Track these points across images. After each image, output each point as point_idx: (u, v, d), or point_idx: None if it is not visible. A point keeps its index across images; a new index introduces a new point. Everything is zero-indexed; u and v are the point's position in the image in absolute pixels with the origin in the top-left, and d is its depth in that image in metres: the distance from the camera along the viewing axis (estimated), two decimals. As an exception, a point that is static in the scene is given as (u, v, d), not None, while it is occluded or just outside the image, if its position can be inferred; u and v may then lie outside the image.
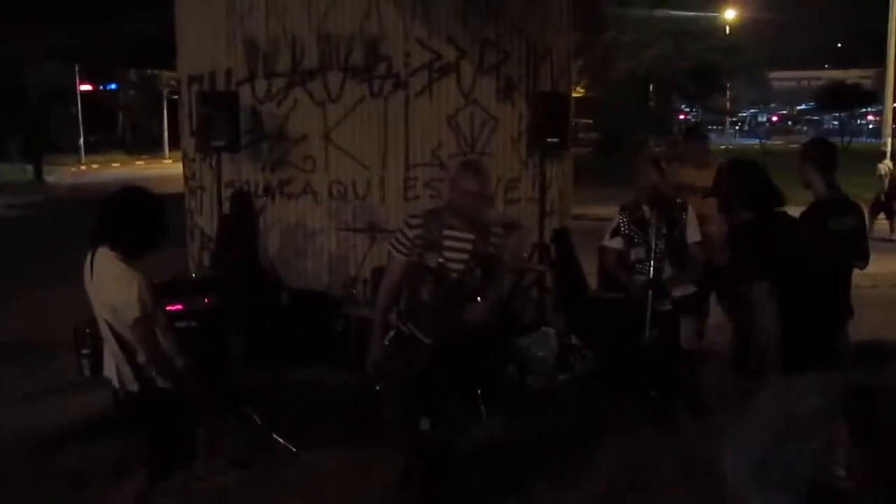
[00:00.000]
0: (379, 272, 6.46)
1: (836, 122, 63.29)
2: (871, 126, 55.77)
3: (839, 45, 68.42)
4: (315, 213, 7.90)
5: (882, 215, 16.95)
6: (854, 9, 39.19)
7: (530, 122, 7.92)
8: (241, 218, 7.90)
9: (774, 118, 57.82)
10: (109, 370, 4.55)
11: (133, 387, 4.07)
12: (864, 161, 25.82)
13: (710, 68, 27.57)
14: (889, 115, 20.15)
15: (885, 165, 17.91)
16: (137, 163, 42.49)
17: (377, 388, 5.99)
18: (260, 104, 7.82)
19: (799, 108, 62.41)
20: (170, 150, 44.21)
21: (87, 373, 6.06)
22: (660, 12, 24.84)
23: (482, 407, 5.96)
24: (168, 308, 6.09)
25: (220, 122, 7.10)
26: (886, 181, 17.44)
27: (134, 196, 4.11)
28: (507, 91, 8.02)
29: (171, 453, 4.14)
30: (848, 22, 51.62)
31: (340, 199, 7.89)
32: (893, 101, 20.35)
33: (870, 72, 49.91)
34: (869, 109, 54.78)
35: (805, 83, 55.81)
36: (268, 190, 7.91)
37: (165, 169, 36.41)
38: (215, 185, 7.62)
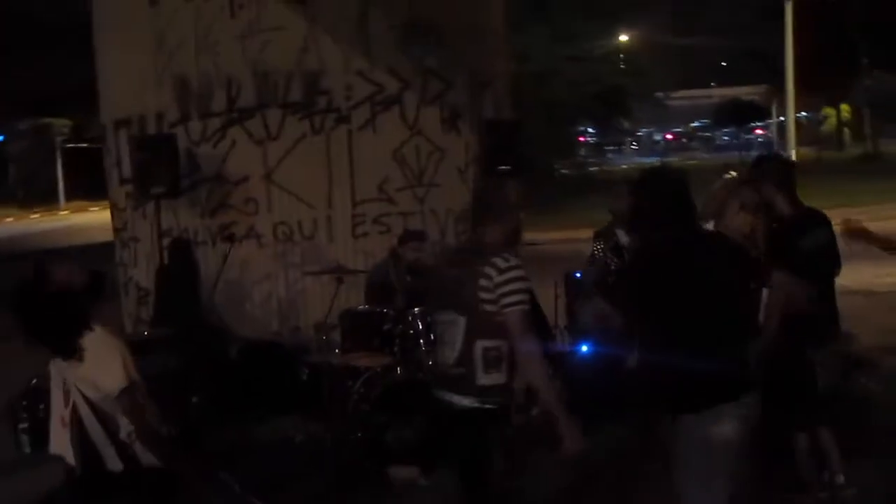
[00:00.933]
0: (351, 317, 6.16)
1: (726, 138, 65.84)
2: (759, 140, 58.09)
3: (723, 63, 71.17)
4: (260, 258, 7.53)
5: None
6: (739, 28, 41.04)
7: (481, 151, 7.77)
8: (181, 268, 7.45)
9: (669, 136, 59.64)
10: (60, 446, 4.12)
11: (115, 466, 3.65)
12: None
13: (616, 92, 28.27)
14: (792, 129, 20.93)
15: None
16: (32, 216, 40.56)
17: (353, 437, 5.66)
18: (195, 146, 7.43)
19: (693, 125, 64.63)
20: (66, 201, 42.48)
21: (26, 449, 5.55)
22: (562, 39, 25.30)
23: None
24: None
25: (159, 167, 6.68)
26: None
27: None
28: (452, 121, 7.86)
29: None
30: (733, 41, 54.01)
31: (287, 241, 7.55)
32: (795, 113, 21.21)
33: (760, 88, 52.10)
34: (758, 124, 57.03)
35: (701, 101, 57.83)
36: (209, 236, 7.49)
37: (62, 221, 34.91)
38: (153, 234, 7.18)
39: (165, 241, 7.43)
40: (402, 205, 7.76)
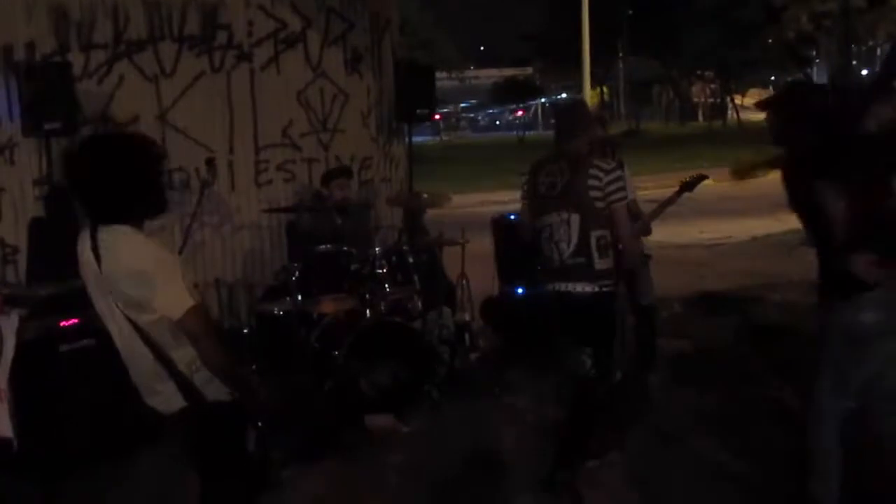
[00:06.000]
0: (314, 257, 5.70)
1: (486, 119, 68.69)
2: (517, 121, 61.03)
3: (482, 47, 73.75)
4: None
5: None
6: (496, 12, 43.20)
7: (385, 96, 7.50)
8: (59, 222, 6.53)
9: (437, 116, 60.85)
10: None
11: (173, 405, 3.10)
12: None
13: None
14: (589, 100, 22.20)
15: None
16: None
17: (326, 387, 5.26)
18: (76, 81, 6.50)
19: (462, 105, 66.85)
20: None
21: None
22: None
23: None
24: (63, 324, 4.92)
25: (53, 99, 5.81)
26: None
27: (132, 147, 3.11)
28: (354, 63, 7.50)
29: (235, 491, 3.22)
30: (487, 25, 56.27)
31: (184, 189, 6.86)
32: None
33: (525, 70, 54.76)
34: (519, 105, 59.90)
35: (467, 82, 59.62)
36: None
37: None
38: (32, 181, 6.28)
39: (38, 191, 6.51)
40: (306, 151, 7.31)
